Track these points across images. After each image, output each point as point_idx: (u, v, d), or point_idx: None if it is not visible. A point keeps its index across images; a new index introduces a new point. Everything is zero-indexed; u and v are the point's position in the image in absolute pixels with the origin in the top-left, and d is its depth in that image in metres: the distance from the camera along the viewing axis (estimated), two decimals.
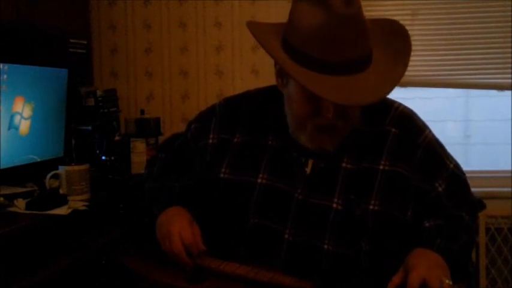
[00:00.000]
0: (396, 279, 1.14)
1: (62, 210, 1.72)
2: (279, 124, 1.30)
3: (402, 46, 1.22)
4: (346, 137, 1.25)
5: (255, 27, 1.23)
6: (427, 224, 1.25)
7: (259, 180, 1.28)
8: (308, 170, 1.27)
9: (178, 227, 1.26)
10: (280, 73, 1.26)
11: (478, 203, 1.37)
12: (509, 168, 2.57)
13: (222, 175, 1.31)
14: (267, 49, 1.18)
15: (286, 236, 1.24)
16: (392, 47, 1.22)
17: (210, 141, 1.36)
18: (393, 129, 1.27)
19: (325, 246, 1.22)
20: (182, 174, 1.40)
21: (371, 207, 1.21)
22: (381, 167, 1.24)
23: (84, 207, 1.80)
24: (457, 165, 1.33)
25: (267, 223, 1.26)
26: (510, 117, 2.60)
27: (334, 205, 1.22)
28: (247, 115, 1.36)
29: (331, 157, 1.25)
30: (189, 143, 1.42)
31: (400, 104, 1.33)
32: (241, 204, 1.28)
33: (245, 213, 1.27)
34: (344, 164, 1.25)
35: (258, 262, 1.25)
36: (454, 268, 1.17)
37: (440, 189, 1.26)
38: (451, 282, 1.10)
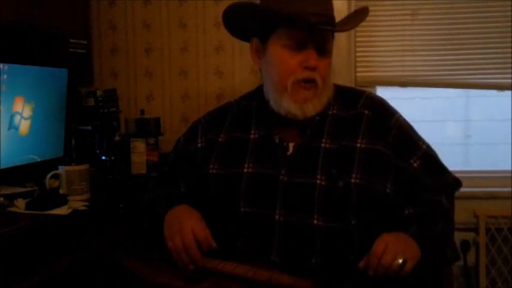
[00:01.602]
0: (362, 263, 1.21)
1: (62, 210, 1.72)
2: (261, 116, 1.40)
3: (360, 11, 1.44)
4: (323, 120, 1.35)
5: (232, 12, 1.39)
6: (406, 212, 1.32)
7: (245, 170, 1.35)
8: (289, 152, 1.35)
9: (191, 224, 1.29)
10: (257, 51, 1.39)
11: (455, 182, 1.43)
12: (509, 168, 2.57)
13: (210, 171, 1.39)
14: (254, 12, 1.36)
15: (277, 217, 1.29)
16: (352, 15, 1.44)
17: (199, 145, 1.45)
18: (366, 111, 1.37)
19: (315, 222, 1.27)
20: (177, 185, 1.46)
21: (353, 180, 1.28)
22: (358, 145, 1.32)
23: (84, 207, 1.80)
24: (429, 146, 1.41)
25: (257, 209, 1.31)
26: (510, 117, 2.60)
27: (318, 181, 1.29)
28: (231, 117, 1.45)
29: (309, 138, 1.34)
30: (181, 154, 1.49)
31: (370, 92, 1.46)
32: (231, 195, 1.34)
33: (236, 204, 1.32)
34: (323, 145, 1.33)
35: (256, 248, 1.30)
36: (429, 253, 1.23)
37: (415, 165, 1.34)
38: (400, 261, 1.16)
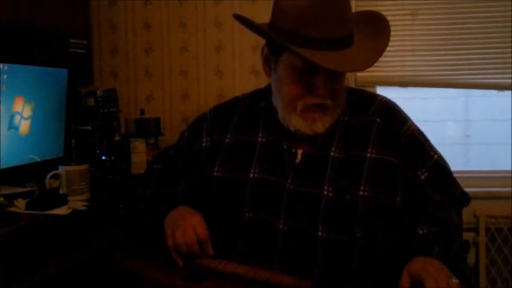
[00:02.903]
0: (405, 283, 1.14)
1: (62, 210, 1.72)
2: (269, 119, 1.35)
3: (381, 28, 1.29)
4: (333, 128, 1.29)
5: (243, 18, 1.30)
6: (420, 232, 1.27)
7: (251, 175, 1.31)
8: (298, 160, 1.30)
9: (192, 222, 1.28)
10: (268, 60, 1.32)
11: (463, 196, 1.39)
12: (509, 168, 2.57)
13: (215, 174, 1.35)
14: (259, 32, 1.29)
15: (281, 226, 1.26)
16: (371, 30, 1.29)
17: (204, 144, 1.41)
18: (377, 119, 1.32)
19: (319, 234, 1.24)
20: (179, 183, 1.43)
21: (360, 193, 1.24)
22: (368, 155, 1.28)
23: (84, 207, 1.80)
24: (440, 156, 1.36)
25: (261, 216, 1.28)
26: (510, 117, 2.60)
27: (325, 192, 1.25)
28: (238, 116, 1.40)
29: (319, 147, 1.29)
30: (183, 150, 1.45)
31: (383, 97, 1.38)
32: (235, 200, 1.31)
33: (240, 209, 1.30)
34: (332, 153, 1.28)
35: (256, 255, 1.27)
36: (456, 273, 1.17)
37: (422, 177, 1.30)
38: (457, 280, 1.11)
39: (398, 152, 1.28)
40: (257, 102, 1.40)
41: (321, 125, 1.27)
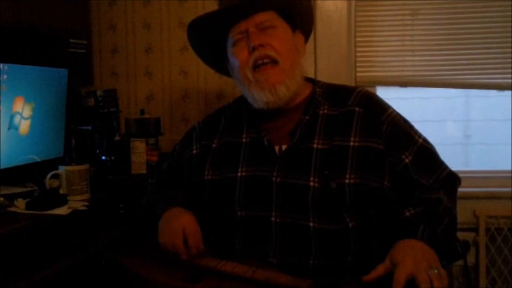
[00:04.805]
0: (381, 268, 1.15)
1: (62, 210, 1.72)
2: (251, 118, 1.41)
3: None
4: (313, 121, 1.33)
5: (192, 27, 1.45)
6: (407, 214, 1.29)
7: (239, 174, 1.35)
8: (280, 153, 1.35)
9: (183, 223, 1.31)
10: (228, 66, 1.43)
11: (451, 177, 1.39)
12: (509, 168, 2.56)
13: (206, 177, 1.40)
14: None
15: (273, 219, 1.29)
16: None
17: (194, 151, 1.47)
18: (357, 108, 1.35)
19: (311, 224, 1.27)
20: (175, 189, 1.49)
21: (347, 181, 1.27)
22: (351, 143, 1.31)
23: (84, 207, 1.80)
24: (425, 140, 1.39)
25: (254, 212, 1.32)
26: (510, 117, 2.60)
27: (311, 183, 1.28)
28: (224, 121, 1.47)
29: (299, 138, 1.33)
30: (177, 161, 1.52)
31: (362, 88, 1.44)
32: (228, 200, 1.35)
33: (233, 208, 1.33)
34: (315, 145, 1.32)
35: (254, 251, 1.30)
36: (442, 251, 1.19)
37: (407, 160, 1.32)
38: (436, 271, 1.10)
39: (381, 138, 1.31)
40: (241, 106, 1.46)
41: (284, 88, 1.32)
